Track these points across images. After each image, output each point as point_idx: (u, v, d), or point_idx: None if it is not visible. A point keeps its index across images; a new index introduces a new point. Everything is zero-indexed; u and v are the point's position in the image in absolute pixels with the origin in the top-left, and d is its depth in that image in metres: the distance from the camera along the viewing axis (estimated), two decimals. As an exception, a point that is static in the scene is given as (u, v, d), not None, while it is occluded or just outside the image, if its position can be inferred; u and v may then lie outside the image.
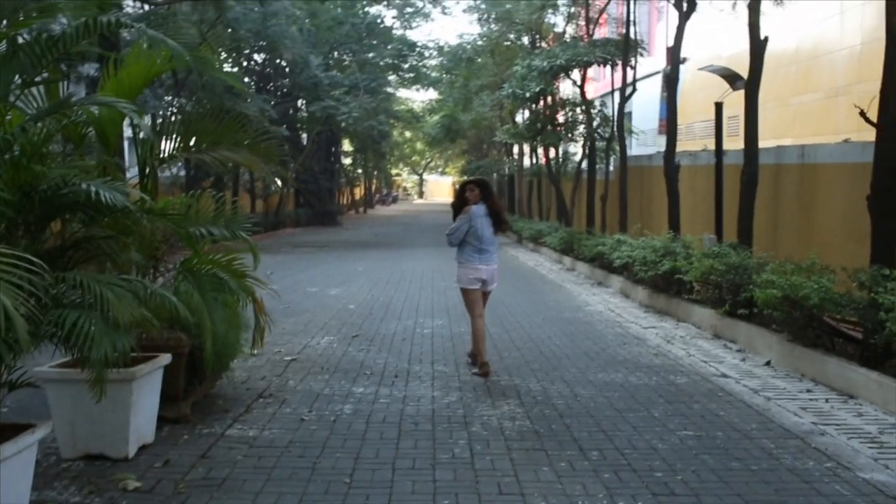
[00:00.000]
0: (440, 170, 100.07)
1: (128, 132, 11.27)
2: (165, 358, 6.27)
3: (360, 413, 7.04)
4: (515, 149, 38.50)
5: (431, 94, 53.97)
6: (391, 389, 7.88)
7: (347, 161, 60.80)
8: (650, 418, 6.87)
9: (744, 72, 12.87)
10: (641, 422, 6.76)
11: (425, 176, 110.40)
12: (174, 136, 6.85)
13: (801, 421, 6.78)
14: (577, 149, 27.67)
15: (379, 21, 39.27)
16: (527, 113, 29.14)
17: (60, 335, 4.63)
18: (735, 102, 13.75)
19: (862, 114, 8.42)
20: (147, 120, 18.22)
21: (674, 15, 21.25)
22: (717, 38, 20.17)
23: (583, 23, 25.85)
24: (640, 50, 21.72)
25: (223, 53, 27.48)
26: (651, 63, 26.12)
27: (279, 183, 33.99)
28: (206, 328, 6.00)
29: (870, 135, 10.62)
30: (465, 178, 8.65)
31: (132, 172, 7.62)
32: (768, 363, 8.98)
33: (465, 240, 8.62)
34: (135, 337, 5.23)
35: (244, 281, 6.58)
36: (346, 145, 56.32)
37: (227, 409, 7.12)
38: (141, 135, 6.18)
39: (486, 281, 8.68)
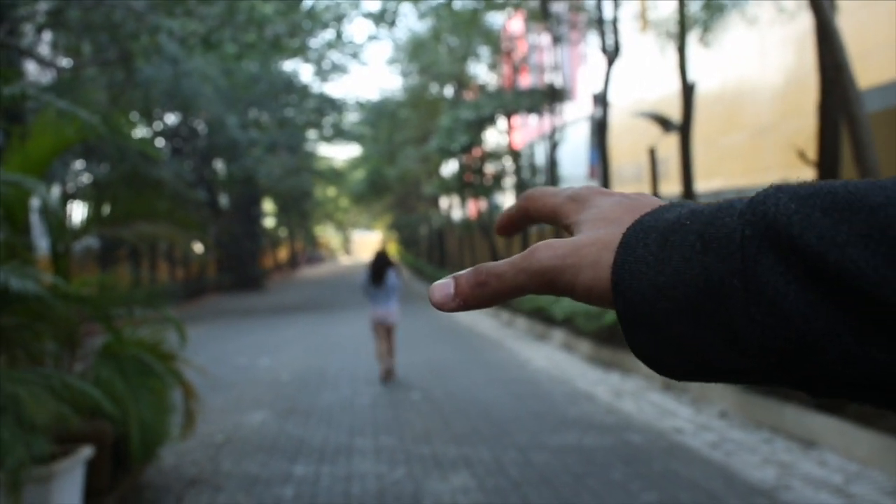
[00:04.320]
0: (366, 225, 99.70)
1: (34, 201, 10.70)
2: (87, 451, 5.71)
3: (302, 496, 6.54)
4: (445, 202, 38.22)
5: (355, 150, 53.75)
6: (333, 468, 7.38)
7: (270, 222, 59.68)
8: (610, 483, 6.52)
9: (671, 113, 12.86)
10: (602, 487, 6.41)
11: (352, 232, 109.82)
12: (87, 206, 6.39)
13: (764, 476, 6.51)
14: (506, 199, 27.58)
15: (295, 77, 38.73)
16: (454, 164, 29.01)
17: (-35, 443, 4.14)
18: (664, 145, 13.73)
19: (801, 154, 8.31)
20: (56, 191, 17.50)
21: (596, 59, 21.43)
22: (642, 82, 20.31)
23: (505, 72, 25.94)
24: (566, 97, 21.87)
25: (135, 116, 26.75)
26: (576, 108, 26.25)
27: (199, 250, 33.02)
28: (133, 417, 5.51)
29: (798, 171, 10.63)
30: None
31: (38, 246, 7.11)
32: (723, 413, 8.74)
33: (368, 291, 12.07)
34: (52, 434, 4.73)
35: (172, 363, 6.10)
36: (268, 206, 55.33)
37: (157, 500, 6.55)
38: (52, 204, 5.71)
39: (381, 320, 11.89)
